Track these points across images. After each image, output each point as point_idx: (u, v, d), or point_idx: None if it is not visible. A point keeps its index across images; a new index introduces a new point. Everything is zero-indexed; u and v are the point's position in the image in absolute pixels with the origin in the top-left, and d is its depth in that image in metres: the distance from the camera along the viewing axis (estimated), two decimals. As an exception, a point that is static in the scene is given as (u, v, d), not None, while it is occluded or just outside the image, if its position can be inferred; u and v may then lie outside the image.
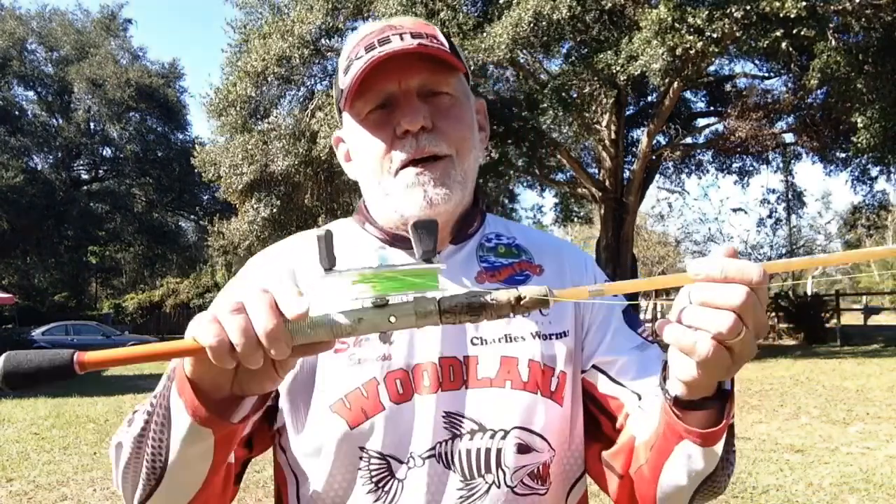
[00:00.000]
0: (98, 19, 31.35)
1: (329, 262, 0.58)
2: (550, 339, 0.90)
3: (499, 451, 0.85)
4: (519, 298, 0.57)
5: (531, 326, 0.90)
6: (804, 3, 9.65)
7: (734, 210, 30.03)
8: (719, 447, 0.72)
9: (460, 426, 0.85)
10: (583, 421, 0.93)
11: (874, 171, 17.40)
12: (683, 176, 21.62)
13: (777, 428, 6.90)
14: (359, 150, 0.93)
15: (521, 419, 0.86)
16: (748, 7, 10.00)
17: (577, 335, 0.94)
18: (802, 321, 18.23)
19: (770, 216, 22.36)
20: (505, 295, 0.57)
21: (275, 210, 16.32)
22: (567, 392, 0.90)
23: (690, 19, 10.29)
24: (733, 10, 10.06)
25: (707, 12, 10.26)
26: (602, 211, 16.67)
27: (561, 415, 0.89)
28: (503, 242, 0.99)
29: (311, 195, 16.65)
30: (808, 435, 6.52)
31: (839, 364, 12.32)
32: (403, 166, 0.88)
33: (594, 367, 0.93)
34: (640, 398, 0.88)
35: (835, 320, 18.10)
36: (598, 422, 0.93)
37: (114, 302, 34.69)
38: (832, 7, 10.55)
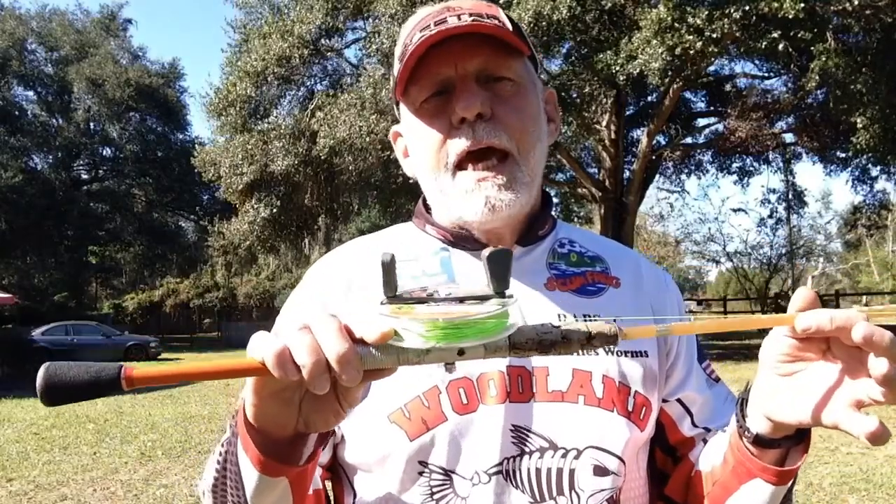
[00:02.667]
0: (98, 19, 31.32)
1: (392, 289, 0.55)
2: (626, 356, 0.84)
3: (572, 471, 0.78)
4: (589, 336, 0.56)
5: None
6: (802, 5, 9.64)
7: (734, 210, 30.02)
8: (787, 486, 0.73)
9: (529, 442, 0.78)
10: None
11: (874, 171, 17.40)
12: (683, 176, 21.64)
13: (777, 428, 6.90)
14: (414, 142, 0.86)
15: (595, 438, 0.79)
16: (747, 7, 10.00)
17: (660, 359, 0.87)
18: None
19: (770, 216, 22.39)
20: (576, 334, 0.56)
21: (275, 210, 16.31)
22: (651, 418, 0.84)
23: (690, 19, 10.29)
24: (732, 10, 10.05)
25: (707, 12, 10.25)
26: (602, 211, 16.66)
27: (639, 438, 0.83)
28: (576, 250, 0.92)
29: (311, 195, 16.63)
30: (807, 435, 6.52)
31: (839, 364, 12.30)
32: (460, 162, 0.81)
33: (679, 401, 0.89)
34: (707, 431, 0.88)
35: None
36: (654, 454, 0.90)
37: (114, 302, 34.66)
38: (832, 7, 10.54)
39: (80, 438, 7.67)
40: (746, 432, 0.71)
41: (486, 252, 0.57)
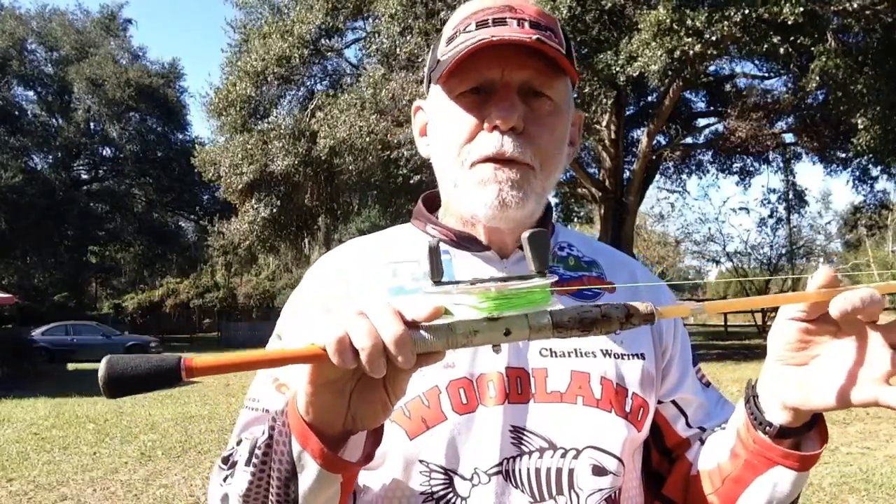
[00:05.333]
0: (98, 19, 31.32)
1: (438, 274, 0.58)
2: (623, 358, 0.85)
3: (571, 471, 0.79)
4: (628, 315, 0.58)
5: (602, 343, 0.84)
6: (801, 10, 9.63)
7: (735, 210, 29.99)
8: (808, 474, 0.75)
9: (528, 442, 0.79)
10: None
11: (875, 171, 17.40)
12: (683, 176, 21.65)
13: (777, 428, 6.90)
14: (439, 129, 0.87)
15: (594, 438, 0.80)
16: (746, 11, 9.99)
17: (656, 361, 0.88)
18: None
19: (771, 216, 22.40)
20: (615, 312, 0.58)
21: (275, 210, 16.33)
22: (648, 419, 0.85)
23: (689, 21, 10.28)
24: (732, 12, 10.05)
25: (706, 14, 10.24)
26: (602, 211, 16.67)
27: (636, 438, 0.83)
28: (574, 254, 0.93)
29: (311, 195, 16.65)
30: (807, 435, 6.52)
31: (839, 364, 12.29)
32: (480, 161, 0.81)
33: (674, 402, 0.90)
34: (702, 431, 0.90)
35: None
36: (650, 455, 0.90)
37: (114, 302, 34.68)
38: (832, 8, 10.54)
39: (80, 438, 7.67)
40: (768, 427, 0.72)
41: (525, 234, 0.59)
